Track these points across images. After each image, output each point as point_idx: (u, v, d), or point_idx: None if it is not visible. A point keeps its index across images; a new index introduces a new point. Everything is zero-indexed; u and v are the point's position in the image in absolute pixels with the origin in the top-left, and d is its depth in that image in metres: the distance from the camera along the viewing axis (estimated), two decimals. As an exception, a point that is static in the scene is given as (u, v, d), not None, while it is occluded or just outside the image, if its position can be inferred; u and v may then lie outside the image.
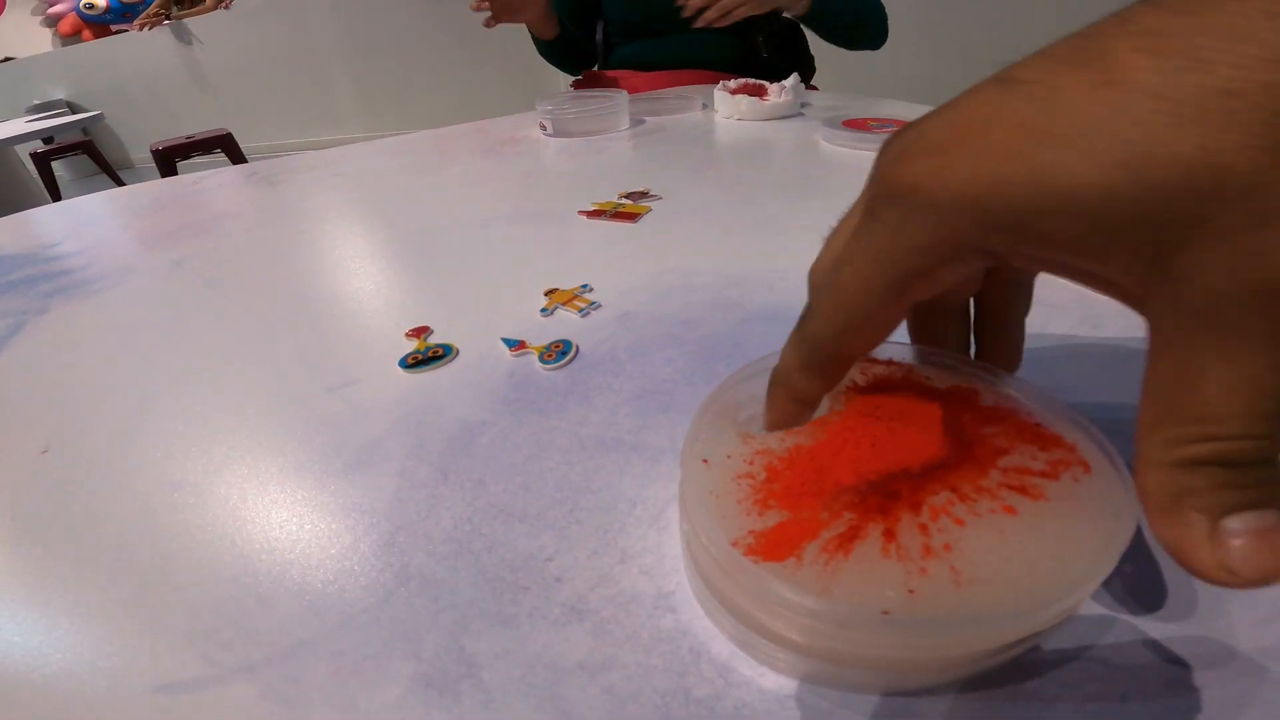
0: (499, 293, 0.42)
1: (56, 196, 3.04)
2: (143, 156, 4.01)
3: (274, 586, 0.23)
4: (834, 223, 0.20)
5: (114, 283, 0.51)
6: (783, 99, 0.80)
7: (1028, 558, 0.16)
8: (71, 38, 4.90)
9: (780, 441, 0.20)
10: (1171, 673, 0.17)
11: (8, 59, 4.64)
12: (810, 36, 1.08)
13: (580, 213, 0.54)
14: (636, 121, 0.86)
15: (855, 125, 0.67)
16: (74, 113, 3.51)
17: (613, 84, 1.16)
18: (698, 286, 0.40)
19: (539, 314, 0.39)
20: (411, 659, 0.20)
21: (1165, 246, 0.13)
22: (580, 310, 0.38)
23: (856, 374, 0.22)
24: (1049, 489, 0.17)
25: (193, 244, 0.58)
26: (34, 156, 3.11)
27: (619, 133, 0.82)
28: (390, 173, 0.75)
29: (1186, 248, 0.13)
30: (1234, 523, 0.13)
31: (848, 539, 0.17)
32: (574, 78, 1.27)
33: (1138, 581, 0.19)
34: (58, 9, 4.91)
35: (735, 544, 0.17)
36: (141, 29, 4.27)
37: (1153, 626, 0.18)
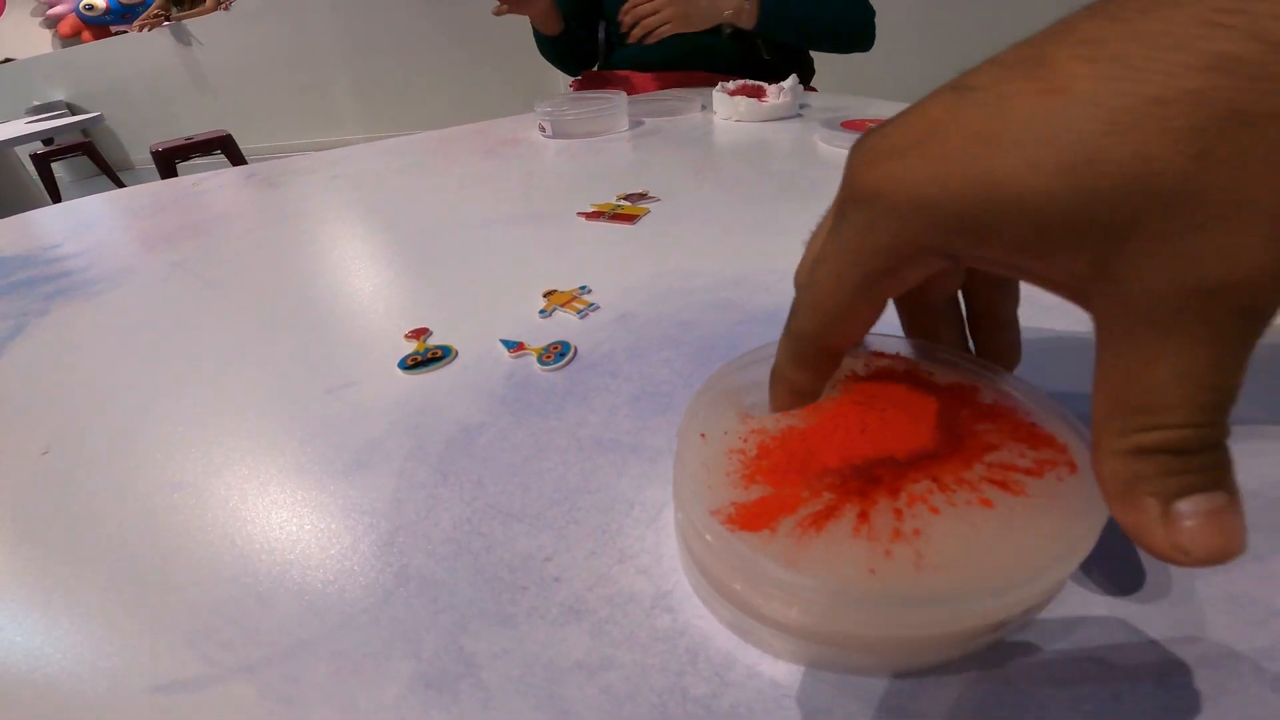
0: (498, 294, 0.42)
1: (56, 198, 3.04)
2: (142, 158, 4.01)
3: (274, 586, 0.23)
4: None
5: (114, 284, 0.51)
6: (781, 100, 0.80)
7: (993, 549, 0.16)
8: (71, 39, 4.91)
9: (775, 422, 0.21)
10: (1167, 672, 0.17)
11: (8, 60, 4.64)
12: None
13: (579, 214, 0.54)
14: (635, 123, 0.86)
15: (854, 126, 0.67)
16: (74, 114, 3.51)
17: (612, 84, 1.17)
18: (696, 288, 0.40)
19: (538, 315, 0.39)
20: (411, 658, 0.20)
21: (1105, 250, 0.14)
22: (579, 312, 0.39)
23: (860, 365, 0.22)
24: (1030, 486, 0.17)
25: (193, 245, 0.58)
26: (34, 158, 3.11)
27: (618, 134, 0.82)
28: (390, 174, 0.76)
29: (1124, 251, 0.13)
30: (1184, 505, 0.14)
31: (823, 517, 0.17)
32: (573, 78, 1.27)
33: (1135, 581, 0.20)
34: (57, 10, 4.92)
35: (716, 513, 0.18)
36: (141, 30, 4.27)
37: (1150, 627, 0.18)
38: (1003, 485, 0.17)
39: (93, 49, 4.54)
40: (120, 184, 3.22)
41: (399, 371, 0.34)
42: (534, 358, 0.34)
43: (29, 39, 4.91)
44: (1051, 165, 0.13)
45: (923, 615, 0.16)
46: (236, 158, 2.79)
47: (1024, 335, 0.23)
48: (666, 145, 0.75)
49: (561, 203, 0.58)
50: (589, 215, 0.54)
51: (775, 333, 0.20)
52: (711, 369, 0.23)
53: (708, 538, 0.18)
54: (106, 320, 0.45)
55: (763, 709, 0.18)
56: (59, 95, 4.48)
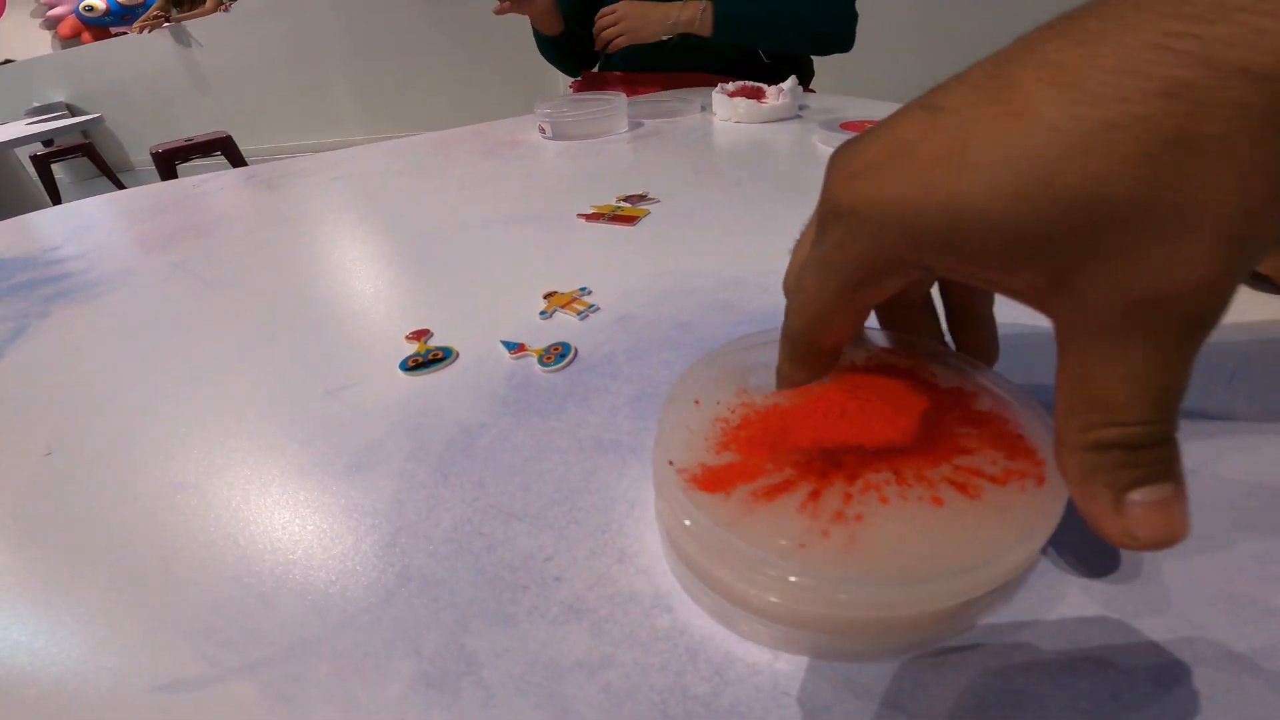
0: (498, 296, 0.43)
1: (56, 199, 3.04)
2: (142, 159, 4.01)
3: (276, 586, 0.23)
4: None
5: (115, 286, 0.51)
6: (781, 102, 0.80)
7: (923, 546, 0.17)
8: (71, 40, 4.91)
9: (765, 398, 0.22)
10: (1165, 671, 0.17)
11: (7, 61, 4.64)
12: None
13: (579, 216, 0.55)
14: (635, 124, 0.86)
15: (853, 128, 0.67)
16: (74, 115, 3.52)
17: (612, 86, 1.17)
18: (695, 289, 0.40)
19: (538, 317, 0.39)
20: (412, 657, 0.20)
21: (1062, 264, 0.15)
22: (579, 313, 0.39)
23: (865, 357, 0.23)
24: (988, 492, 0.18)
25: (193, 247, 0.58)
26: (34, 159, 3.11)
27: (618, 135, 0.82)
28: (390, 175, 0.76)
29: (1079, 266, 0.14)
30: (1135, 495, 0.15)
31: (777, 489, 0.18)
32: (573, 79, 1.27)
33: (1134, 582, 0.20)
34: (57, 11, 4.93)
35: (684, 470, 0.19)
36: (141, 31, 4.28)
37: (1149, 626, 0.18)
38: (961, 487, 0.18)
39: (93, 50, 4.54)
40: (120, 185, 3.22)
41: (400, 373, 0.35)
42: (535, 359, 0.34)
43: (29, 40, 4.92)
44: (1012, 188, 0.14)
45: (840, 595, 0.16)
46: (236, 159, 2.79)
47: (1008, 331, 0.24)
48: (666, 147, 0.75)
49: (561, 204, 0.58)
50: (589, 217, 0.54)
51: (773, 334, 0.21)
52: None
53: (665, 493, 0.19)
54: (107, 322, 0.46)
55: (762, 707, 0.18)
56: (59, 96, 4.48)
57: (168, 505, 0.27)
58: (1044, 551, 0.21)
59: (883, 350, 0.23)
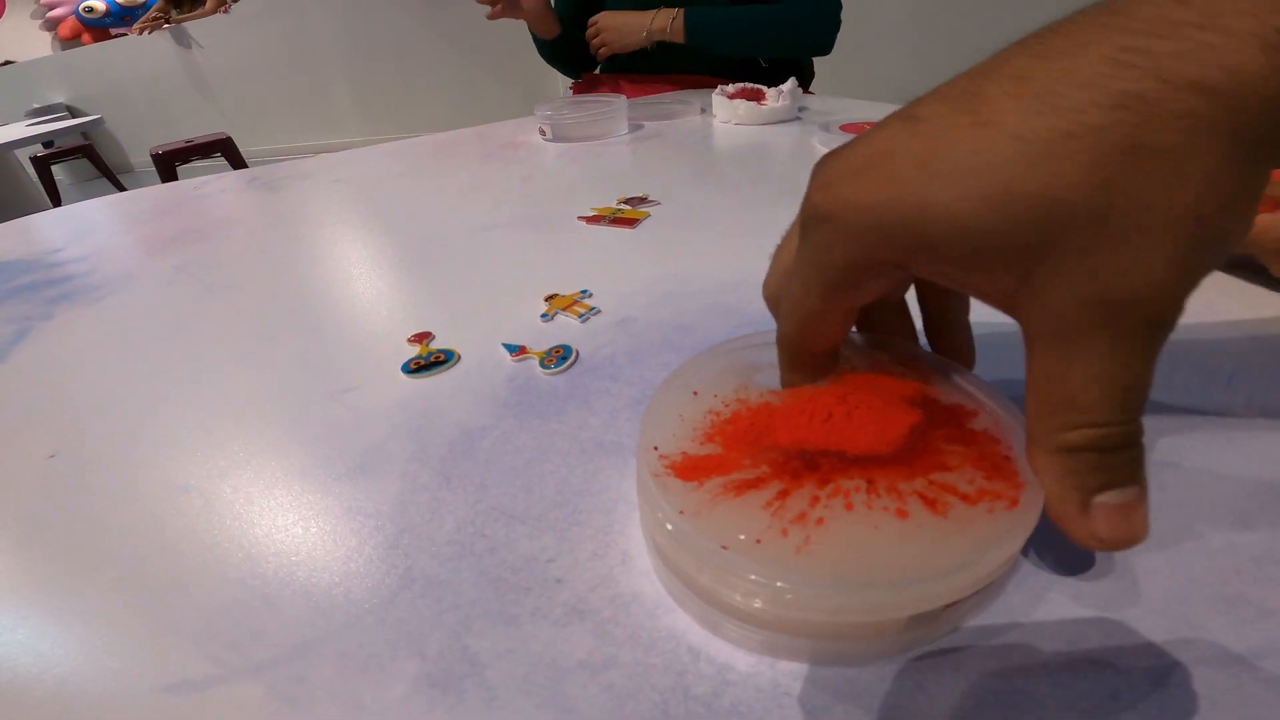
0: (500, 298, 0.43)
1: (57, 200, 3.04)
2: (142, 160, 4.01)
3: (280, 588, 0.23)
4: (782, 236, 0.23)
5: (117, 288, 0.51)
6: (780, 103, 0.80)
7: (871, 555, 0.17)
8: (71, 41, 4.91)
9: (759, 395, 0.22)
10: (1164, 672, 0.17)
11: (7, 63, 4.64)
12: None
13: (579, 218, 0.55)
14: (635, 126, 0.86)
15: (853, 129, 0.67)
16: (74, 116, 3.52)
17: (612, 88, 1.17)
18: (695, 292, 0.40)
19: (539, 319, 0.39)
20: (416, 658, 0.20)
21: (1026, 268, 0.15)
22: (580, 316, 0.39)
23: (867, 363, 0.23)
24: (956, 510, 0.17)
25: (195, 249, 0.58)
26: (34, 160, 3.11)
27: (618, 137, 0.82)
28: (390, 178, 0.76)
29: (1042, 269, 0.15)
30: (1102, 498, 0.16)
31: (747, 485, 0.19)
32: (573, 81, 1.28)
33: (1130, 583, 0.20)
34: (57, 13, 4.93)
35: (665, 456, 0.20)
36: (141, 33, 4.28)
37: (1147, 627, 0.19)
38: (929, 503, 0.18)
39: (92, 51, 4.54)
40: (121, 187, 3.22)
41: (402, 375, 0.35)
42: (536, 361, 0.35)
43: (29, 41, 4.92)
44: (979, 194, 0.15)
45: (786, 595, 0.17)
46: (236, 161, 2.79)
47: (993, 331, 0.24)
48: (666, 148, 0.75)
49: (562, 206, 0.58)
50: (589, 219, 0.54)
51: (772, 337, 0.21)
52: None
53: (641, 479, 0.20)
54: (110, 324, 0.46)
55: (763, 708, 0.18)
56: (59, 98, 4.48)
57: (171, 507, 0.27)
58: (1042, 554, 0.21)
59: (889, 360, 0.23)
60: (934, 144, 0.16)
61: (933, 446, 0.19)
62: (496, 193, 0.65)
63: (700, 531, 0.18)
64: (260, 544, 0.25)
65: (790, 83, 0.82)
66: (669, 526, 0.18)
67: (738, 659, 0.19)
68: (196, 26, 4.13)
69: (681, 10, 0.99)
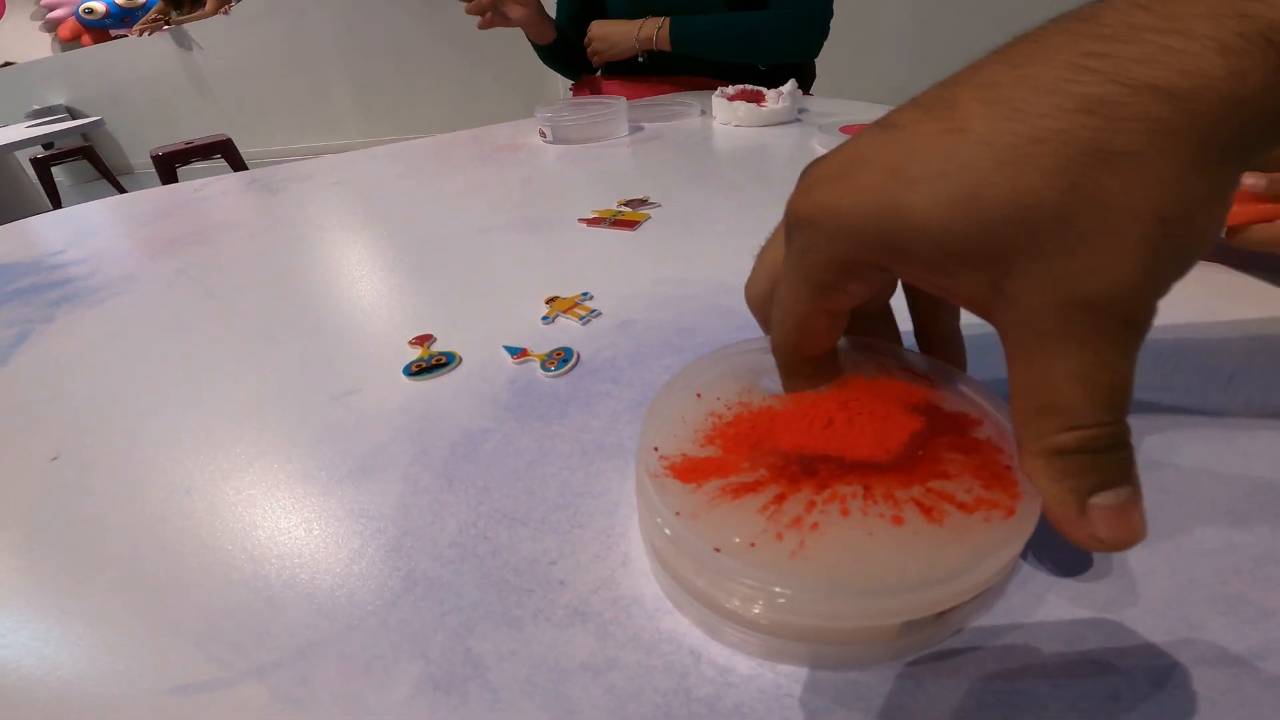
0: (501, 301, 0.43)
1: (57, 202, 3.05)
2: (143, 162, 4.01)
3: (284, 590, 0.23)
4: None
5: (119, 291, 0.52)
6: (780, 105, 0.80)
7: (864, 561, 0.17)
8: (71, 43, 4.91)
9: (762, 399, 0.22)
10: (1164, 672, 0.18)
11: (7, 64, 4.64)
12: None
13: (580, 220, 0.55)
14: (635, 128, 0.86)
15: (852, 131, 0.67)
16: (74, 118, 3.53)
17: (611, 89, 1.17)
18: (695, 294, 0.40)
19: (540, 322, 0.39)
20: (419, 660, 0.20)
21: (998, 271, 0.16)
22: (581, 318, 0.39)
23: (874, 370, 0.23)
24: (951, 518, 0.17)
25: (196, 252, 0.58)
26: (34, 162, 3.11)
27: (618, 139, 0.83)
28: (391, 180, 0.76)
29: (1012, 272, 0.15)
30: (1097, 499, 0.16)
31: (745, 489, 0.19)
32: (574, 82, 1.28)
33: (1130, 584, 0.20)
34: (57, 14, 4.93)
35: (665, 457, 0.20)
36: (141, 34, 4.28)
37: (1147, 628, 0.19)
38: (926, 510, 0.18)
39: (92, 53, 4.55)
40: (121, 188, 3.22)
41: (403, 378, 0.35)
42: (537, 364, 0.35)
43: (29, 42, 4.92)
44: (948, 198, 0.15)
45: (779, 600, 0.17)
46: (237, 162, 2.79)
47: (990, 331, 0.24)
48: (666, 150, 0.75)
49: (562, 208, 0.58)
50: (590, 221, 0.54)
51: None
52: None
53: (640, 479, 0.20)
54: (111, 327, 0.46)
55: (764, 709, 0.18)
56: (59, 99, 4.48)
57: (174, 510, 0.27)
58: (1041, 556, 0.21)
59: (896, 367, 0.23)
60: (906, 150, 0.16)
61: (933, 454, 0.19)
62: (496, 195, 0.65)
63: (695, 533, 0.18)
64: (263, 546, 0.25)
65: (790, 84, 0.82)
66: (667, 532, 0.18)
67: (739, 661, 0.19)
68: (196, 28, 4.13)
69: (667, 19, 1.00)
